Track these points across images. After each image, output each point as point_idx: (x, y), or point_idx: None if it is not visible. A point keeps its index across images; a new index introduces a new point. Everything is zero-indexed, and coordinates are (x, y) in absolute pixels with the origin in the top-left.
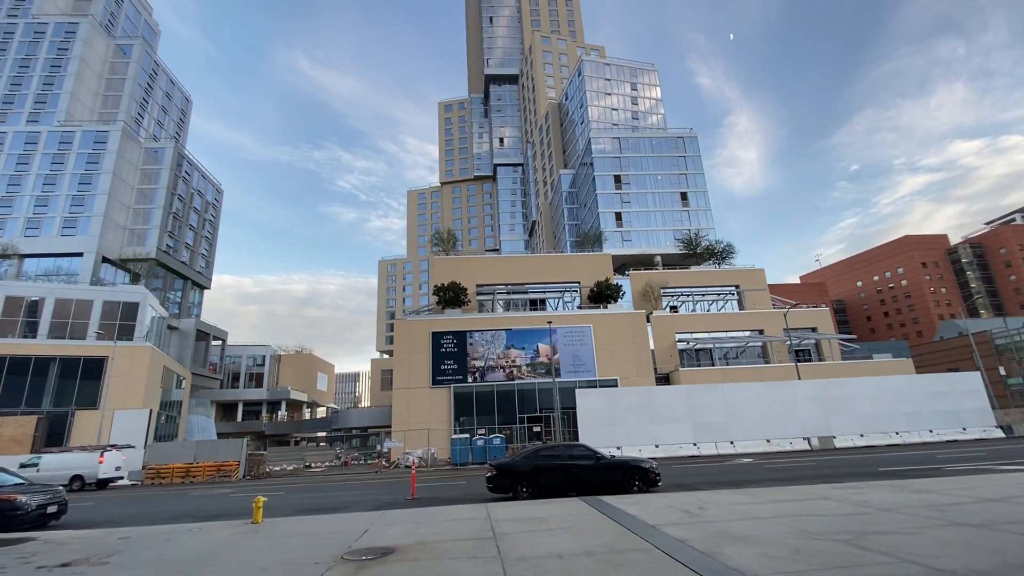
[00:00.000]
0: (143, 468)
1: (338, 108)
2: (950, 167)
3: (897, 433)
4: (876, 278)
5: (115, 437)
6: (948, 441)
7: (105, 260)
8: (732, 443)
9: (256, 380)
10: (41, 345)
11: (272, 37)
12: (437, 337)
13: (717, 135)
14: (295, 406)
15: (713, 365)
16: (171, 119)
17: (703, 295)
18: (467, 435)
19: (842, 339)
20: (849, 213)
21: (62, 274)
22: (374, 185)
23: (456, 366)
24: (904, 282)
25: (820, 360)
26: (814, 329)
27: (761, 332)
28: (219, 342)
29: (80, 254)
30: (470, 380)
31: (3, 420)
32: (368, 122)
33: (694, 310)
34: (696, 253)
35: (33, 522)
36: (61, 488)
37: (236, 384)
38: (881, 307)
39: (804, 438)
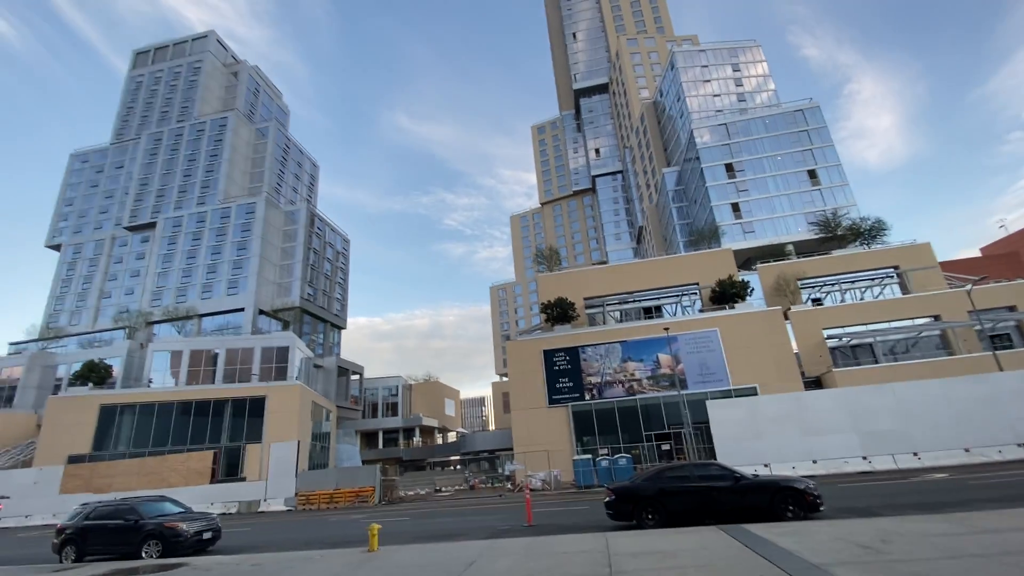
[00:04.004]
0: (296, 495)
1: (438, 154)
2: None
3: None
4: None
5: (272, 467)
6: None
7: (261, 312)
8: (916, 455)
9: (391, 409)
10: (217, 389)
11: (376, 102)
12: (549, 355)
13: (837, 107)
14: (427, 432)
15: (877, 363)
16: (303, 184)
17: (852, 282)
18: (590, 456)
19: None
20: None
21: (229, 328)
22: (477, 219)
23: (571, 384)
24: None
25: None
26: (1012, 308)
27: (937, 318)
28: (357, 376)
29: (241, 309)
30: (587, 397)
31: (189, 455)
32: (465, 162)
33: (843, 301)
34: (836, 235)
35: (193, 547)
36: (215, 516)
37: (375, 414)
38: None
39: (1020, 444)
